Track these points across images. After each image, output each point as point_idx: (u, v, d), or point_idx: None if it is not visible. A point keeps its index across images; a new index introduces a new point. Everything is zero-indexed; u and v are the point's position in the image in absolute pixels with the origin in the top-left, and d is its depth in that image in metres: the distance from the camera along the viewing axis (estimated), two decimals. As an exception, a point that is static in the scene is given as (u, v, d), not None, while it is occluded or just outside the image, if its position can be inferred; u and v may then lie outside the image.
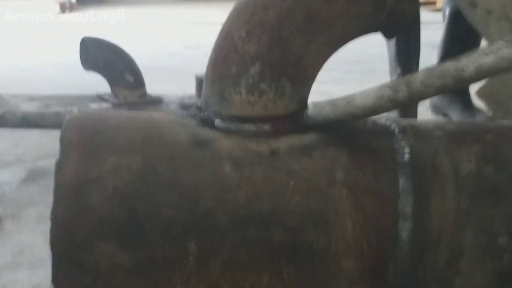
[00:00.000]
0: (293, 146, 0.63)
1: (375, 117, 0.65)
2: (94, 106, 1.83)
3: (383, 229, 0.61)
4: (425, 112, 2.42)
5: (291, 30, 0.64)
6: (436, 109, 2.15)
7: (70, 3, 6.00)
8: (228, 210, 0.59)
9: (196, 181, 0.60)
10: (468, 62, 0.52)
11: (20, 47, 4.23)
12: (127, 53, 1.90)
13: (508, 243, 0.62)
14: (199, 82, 1.82)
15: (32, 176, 1.69)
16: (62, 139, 0.61)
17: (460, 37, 1.89)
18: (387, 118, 0.69)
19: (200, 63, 1.51)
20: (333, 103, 0.62)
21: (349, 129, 0.67)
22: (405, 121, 0.68)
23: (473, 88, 1.44)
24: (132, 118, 0.65)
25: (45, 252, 0.91)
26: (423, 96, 0.55)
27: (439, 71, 0.54)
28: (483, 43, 1.45)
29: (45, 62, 3.68)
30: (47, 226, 0.59)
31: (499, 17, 0.92)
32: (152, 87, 2.00)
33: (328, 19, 0.65)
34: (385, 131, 0.66)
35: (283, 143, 0.63)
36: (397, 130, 0.65)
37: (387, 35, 0.71)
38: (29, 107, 1.79)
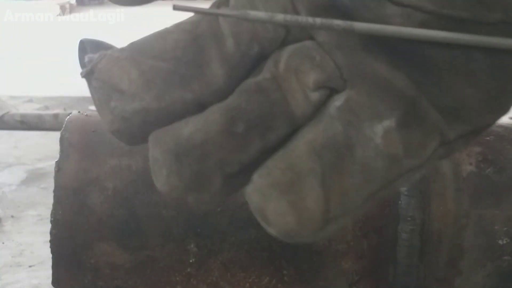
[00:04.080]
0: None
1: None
2: (93, 107, 1.83)
3: (383, 230, 0.61)
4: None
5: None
6: None
7: (70, 4, 6.02)
8: (228, 211, 0.59)
9: (196, 182, 0.60)
10: None
11: (19, 47, 4.24)
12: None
13: (509, 244, 0.62)
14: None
15: (32, 178, 1.69)
16: (61, 140, 0.61)
17: None
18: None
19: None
20: None
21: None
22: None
23: None
24: (132, 119, 0.65)
25: (45, 253, 0.92)
26: None
27: None
28: None
29: (44, 63, 3.69)
30: (47, 227, 0.59)
31: None
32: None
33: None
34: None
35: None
36: (397, 131, 0.65)
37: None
38: (28, 109, 1.79)
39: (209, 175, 0.31)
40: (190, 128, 0.32)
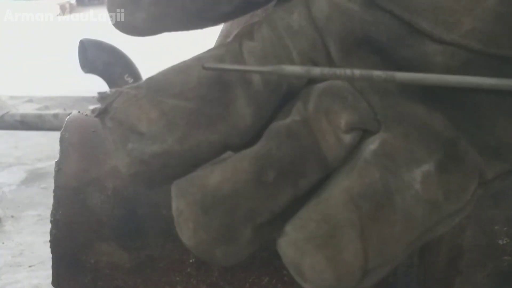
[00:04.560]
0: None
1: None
2: (93, 107, 1.83)
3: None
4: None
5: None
6: None
7: (70, 4, 6.01)
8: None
9: (196, 182, 0.60)
10: None
11: (19, 47, 4.24)
12: (126, 54, 1.90)
13: (509, 244, 0.62)
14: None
15: (32, 178, 1.70)
16: (61, 140, 0.61)
17: None
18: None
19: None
20: None
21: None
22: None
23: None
24: (132, 119, 0.65)
25: (45, 253, 0.92)
26: None
27: None
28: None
29: (44, 63, 3.69)
30: (46, 227, 0.59)
31: None
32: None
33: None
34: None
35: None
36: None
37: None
38: (28, 109, 1.79)
39: (238, 227, 0.30)
40: (217, 177, 0.30)
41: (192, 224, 0.30)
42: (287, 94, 0.32)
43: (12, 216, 1.39)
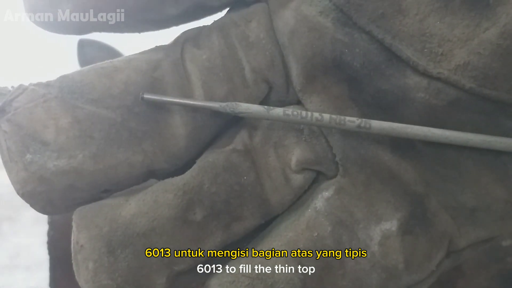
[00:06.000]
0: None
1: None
2: None
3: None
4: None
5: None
6: None
7: (68, 5, 6.02)
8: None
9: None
10: None
11: (19, 47, 4.23)
12: (124, 54, 1.89)
13: (512, 246, 0.62)
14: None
15: (30, 178, 1.69)
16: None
17: None
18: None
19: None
20: None
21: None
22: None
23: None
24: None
25: (42, 255, 0.91)
26: None
27: None
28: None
29: (44, 62, 3.68)
30: (44, 228, 0.59)
31: None
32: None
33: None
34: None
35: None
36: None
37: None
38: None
39: (151, 275, 0.24)
40: (132, 209, 0.24)
41: (92, 265, 0.24)
42: (234, 117, 0.26)
43: (9, 217, 1.39)
